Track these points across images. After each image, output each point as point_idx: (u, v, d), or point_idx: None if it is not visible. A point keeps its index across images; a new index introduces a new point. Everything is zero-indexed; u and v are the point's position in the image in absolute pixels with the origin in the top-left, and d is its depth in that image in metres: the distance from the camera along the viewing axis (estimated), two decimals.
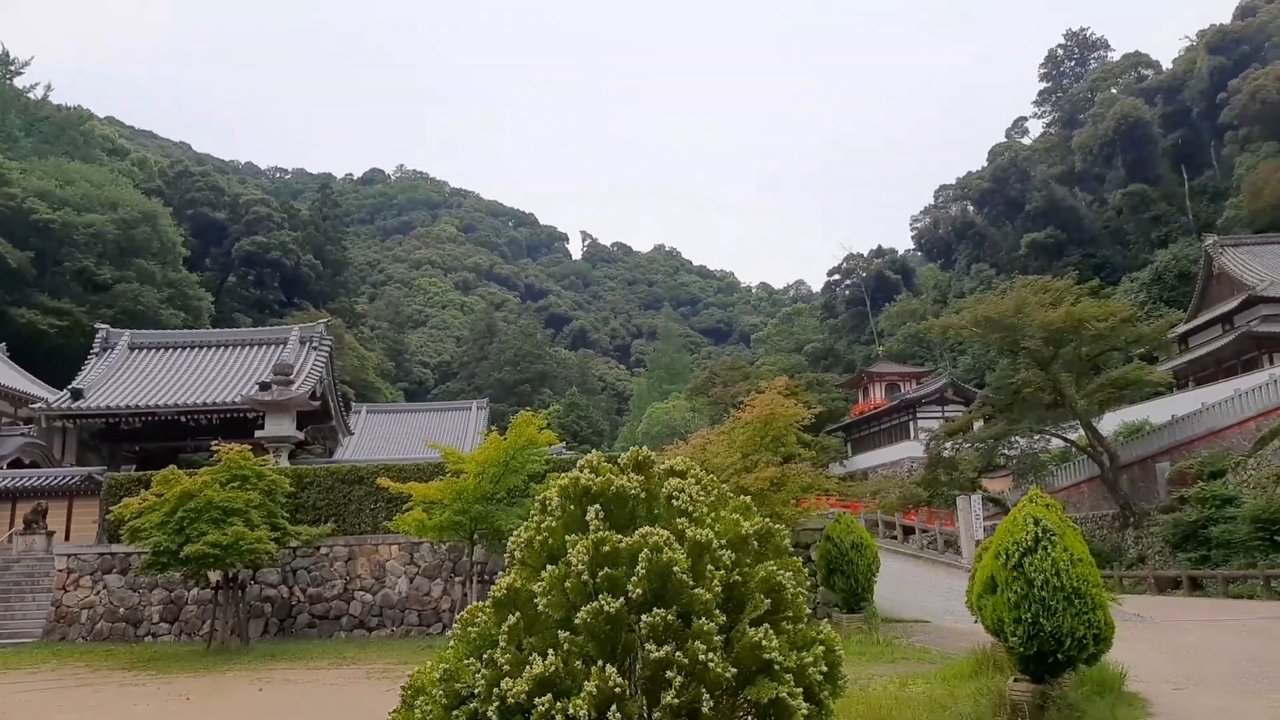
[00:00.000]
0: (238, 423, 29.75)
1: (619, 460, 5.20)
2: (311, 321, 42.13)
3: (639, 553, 4.10)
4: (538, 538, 4.57)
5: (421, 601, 19.43)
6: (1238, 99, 72.89)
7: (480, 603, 4.45)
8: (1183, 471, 34.93)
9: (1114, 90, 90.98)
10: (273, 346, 35.19)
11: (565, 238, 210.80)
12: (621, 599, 4.05)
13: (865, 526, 42.00)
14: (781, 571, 4.45)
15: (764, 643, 4.09)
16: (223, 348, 35.87)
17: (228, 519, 17.10)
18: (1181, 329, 50.15)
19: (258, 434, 28.64)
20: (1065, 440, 40.01)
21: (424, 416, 58.24)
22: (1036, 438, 40.31)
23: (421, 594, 19.63)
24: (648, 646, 4.00)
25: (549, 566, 4.28)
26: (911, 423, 64.46)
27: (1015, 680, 9.01)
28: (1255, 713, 9.51)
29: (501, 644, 4.14)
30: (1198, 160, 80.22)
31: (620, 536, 4.23)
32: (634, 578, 4.06)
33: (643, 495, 4.74)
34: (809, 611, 4.54)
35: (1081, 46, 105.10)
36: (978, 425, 42.50)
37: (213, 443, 20.88)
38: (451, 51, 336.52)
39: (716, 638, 4.05)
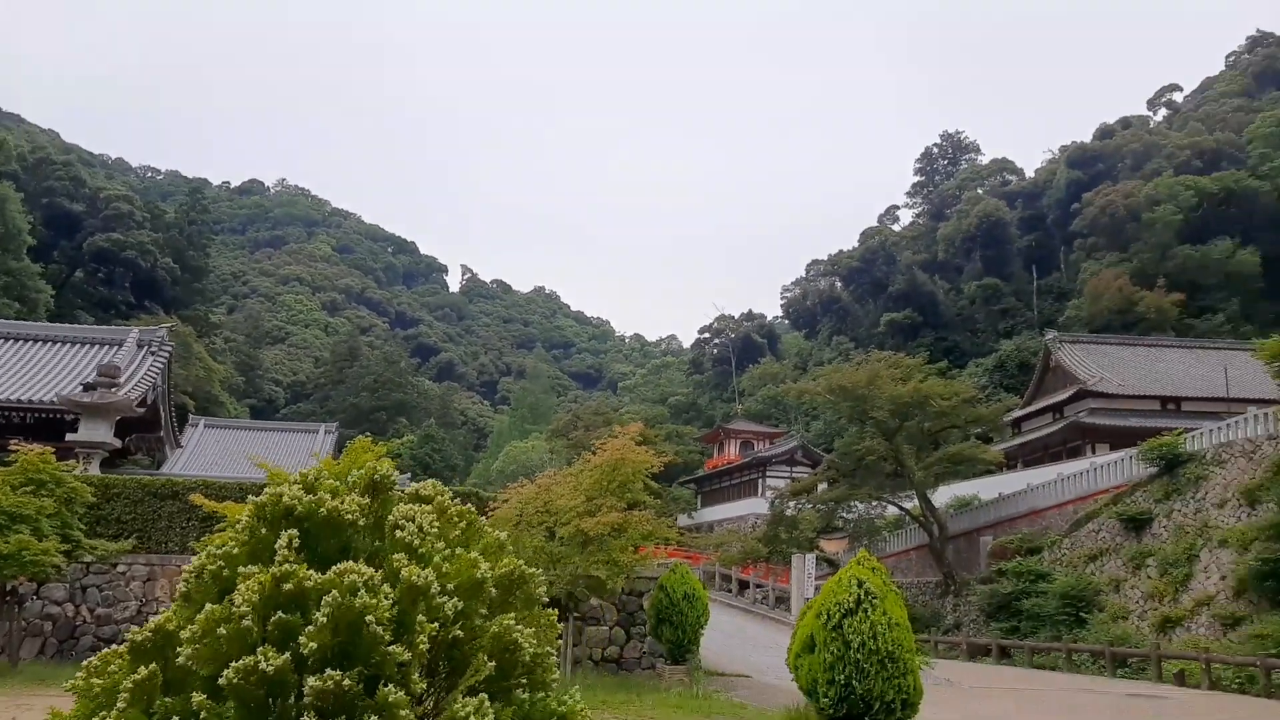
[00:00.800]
0: (51, 424, 27.40)
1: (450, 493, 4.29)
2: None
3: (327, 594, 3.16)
4: (210, 567, 3.54)
5: None
6: (1089, 211, 79.00)
7: (118, 647, 3.45)
8: (1003, 546, 36.70)
9: (980, 190, 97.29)
10: (107, 347, 32.76)
11: (445, 269, 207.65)
12: (288, 654, 3.11)
13: (705, 578, 42.88)
14: (520, 628, 3.53)
15: (473, 717, 3.15)
16: (50, 343, 33.12)
17: (13, 526, 15.49)
18: (1017, 414, 53.21)
19: (70, 437, 26.43)
20: (900, 508, 41.51)
21: (266, 436, 55.41)
22: (874, 504, 41.70)
23: None
24: None
25: (208, 606, 3.30)
26: (761, 480, 65.60)
27: None
28: None
29: (120, 706, 3.14)
30: (1048, 262, 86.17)
31: (312, 573, 3.28)
32: (311, 627, 3.11)
33: (367, 523, 3.68)
34: (556, 676, 3.67)
35: (955, 147, 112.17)
36: (822, 487, 43.67)
37: (13, 442, 19.05)
38: (355, 70, 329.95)
39: (405, 712, 3.08)
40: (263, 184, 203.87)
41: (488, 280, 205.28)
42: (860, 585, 8.85)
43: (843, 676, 8.49)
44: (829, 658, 8.61)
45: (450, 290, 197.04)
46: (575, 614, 17.42)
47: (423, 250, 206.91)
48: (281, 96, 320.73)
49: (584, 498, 15.71)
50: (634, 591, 18.48)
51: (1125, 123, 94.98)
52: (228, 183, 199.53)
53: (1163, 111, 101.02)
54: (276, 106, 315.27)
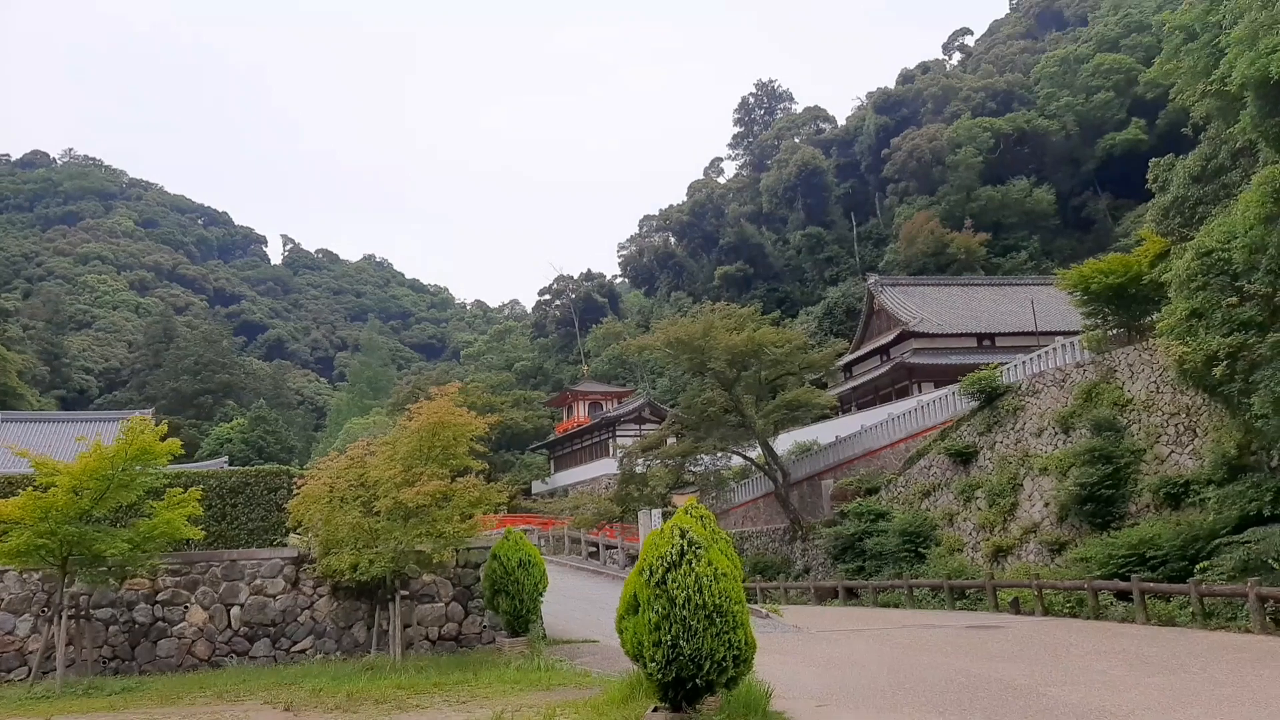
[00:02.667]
0: None
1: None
2: None
3: None
4: None
5: (2, 642, 15.97)
6: (898, 155, 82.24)
7: None
8: (844, 488, 37.75)
9: (796, 139, 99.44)
10: None
11: (264, 240, 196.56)
12: None
13: (560, 544, 42.34)
14: None
15: None
16: None
17: None
18: (847, 358, 54.99)
19: None
20: (745, 458, 42.11)
21: (75, 427, 50.51)
22: (720, 455, 42.10)
23: (3, 633, 16.14)
24: None
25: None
26: (611, 440, 65.55)
27: (654, 709, 8.32)
28: None
29: None
30: (865, 208, 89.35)
31: None
32: None
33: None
34: None
35: (770, 96, 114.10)
36: (671, 442, 43.78)
37: None
38: (144, 29, 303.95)
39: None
40: (47, 155, 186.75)
41: (312, 250, 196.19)
42: (683, 535, 8.22)
43: (669, 637, 7.86)
44: (654, 617, 7.97)
45: (272, 263, 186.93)
46: (404, 592, 16.33)
47: (237, 221, 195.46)
48: (61, 58, 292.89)
49: (401, 467, 14.55)
50: (469, 564, 17.51)
51: (924, 67, 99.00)
52: (6, 155, 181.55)
53: (957, 55, 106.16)
54: (56, 69, 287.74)
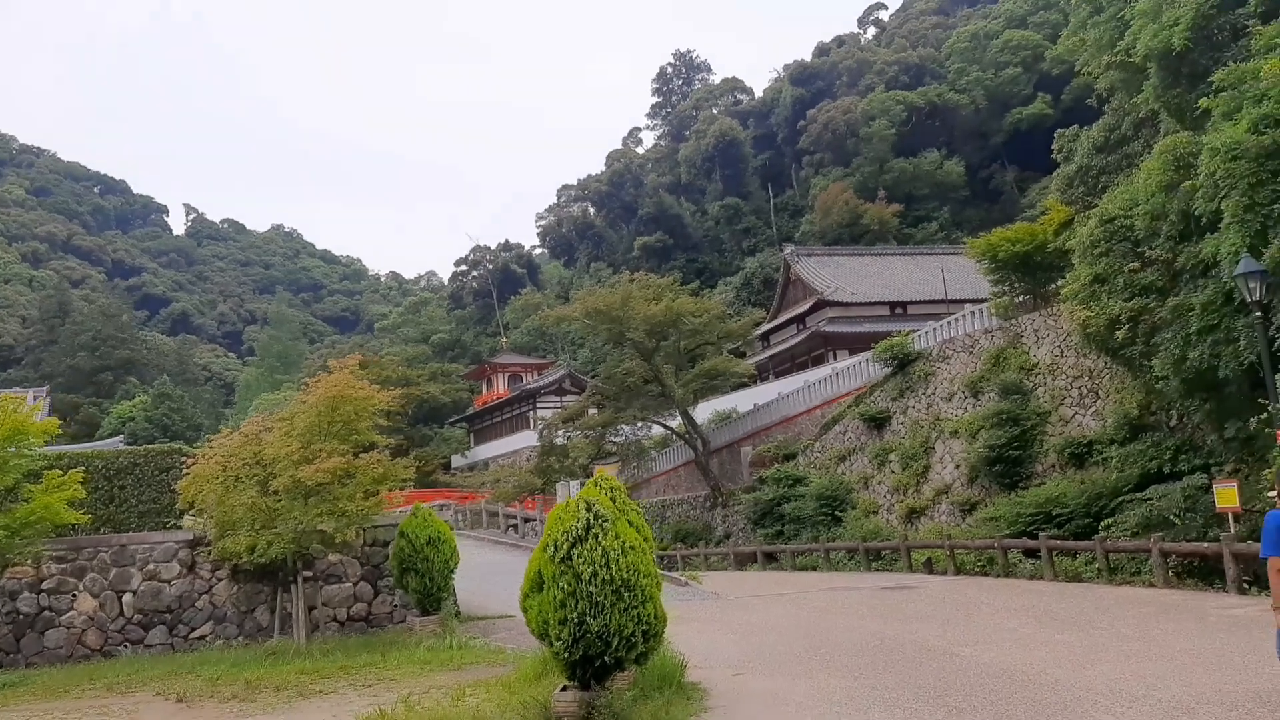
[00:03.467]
0: None
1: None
2: None
3: None
4: None
5: None
6: (814, 127, 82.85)
7: None
8: (762, 455, 38.07)
9: (715, 110, 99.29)
10: None
11: (165, 210, 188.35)
12: None
13: (478, 517, 41.81)
14: None
15: None
16: None
17: None
18: (765, 328, 55.40)
19: None
20: (666, 427, 42.15)
21: None
22: (640, 425, 42.03)
23: None
24: None
25: None
26: (531, 413, 64.96)
27: (563, 689, 8.01)
28: (804, 694, 9.42)
29: None
30: (781, 180, 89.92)
31: None
32: None
33: None
34: None
35: (688, 67, 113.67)
36: (592, 413, 43.53)
37: None
38: None
39: None
40: None
41: (217, 220, 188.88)
42: (589, 509, 7.89)
43: (575, 614, 7.56)
44: (559, 594, 7.65)
45: (174, 233, 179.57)
46: (308, 573, 15.69)
47: (136, 189, 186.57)
48: None
49: (299, 444, 13.88)
50: (378, 542, 16.92)
51: (840, 41, 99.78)
52: None
53: (872, 30, 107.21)
54: None
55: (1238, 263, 13.24)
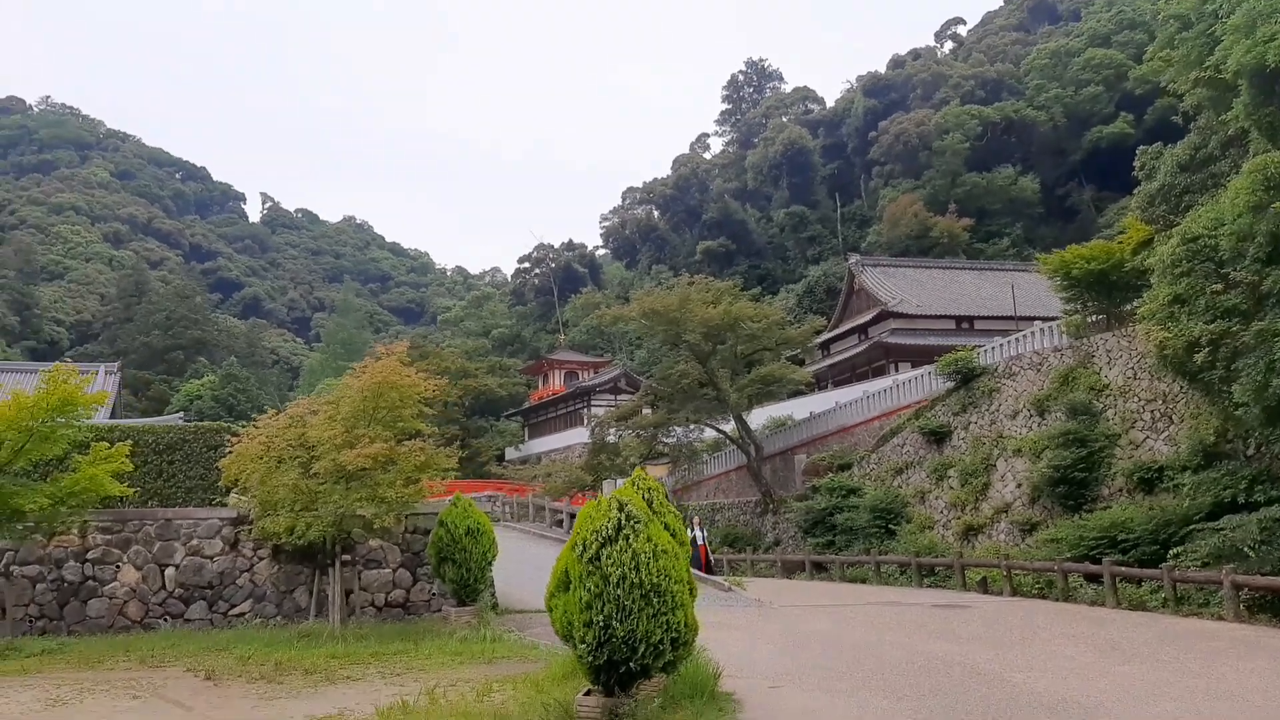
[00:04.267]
0: None
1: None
2: None
3: None
4: None
5: None
6: (885, 139, 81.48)
7: None
8: (816, 463, 37.35)
9: (784, 119, 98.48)
10: None
11: (242, 198, 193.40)
12: None
13: (526, 511, 41.81)
14: None
15: None
16: None
17: None
18: (825, 337, 54.51)
19: None
20: (719, 430, 41.66)
21: (32, 378, 49.62)
22: (692, 427, 41.59)
23: None
24: None
25: None
26: (586, 410, 65.01)
27: (586, 693, 7.68)
28: (842, 713, 8.97)
29: None
30: (850, 189, 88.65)
31: None
32: None
33: None
34: None
35: (760, 75, 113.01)
36: (646, 413, 43.28)
37: None
38: None
39: None
40: (23, 101, 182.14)
41: (291, 210, 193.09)
42: (621, 509, 7.55)
43: (601, 617, 7.22)
44: (585, 595, 7.32)
45: (250, 220, 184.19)
46: (347, 557, 15.65)
47: (216, 177, 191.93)
48: (39, 2, 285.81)
49: (343, 428, 13.80)
50: (419, 529, 16.81)
51: (915, 54, 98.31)
52: None
53: (949, 44, 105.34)
54: (34, 13, 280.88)
55: None
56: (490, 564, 15.17)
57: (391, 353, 15.30)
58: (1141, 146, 28.33)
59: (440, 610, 16.10)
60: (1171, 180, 23.30)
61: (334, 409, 14.63)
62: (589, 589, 7.31)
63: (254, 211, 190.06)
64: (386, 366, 14.55)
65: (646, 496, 9.64)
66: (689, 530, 26.87)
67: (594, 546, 7.41)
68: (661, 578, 7.35)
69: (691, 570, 21.45)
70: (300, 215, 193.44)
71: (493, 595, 15.33)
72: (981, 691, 9.83)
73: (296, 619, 15.96)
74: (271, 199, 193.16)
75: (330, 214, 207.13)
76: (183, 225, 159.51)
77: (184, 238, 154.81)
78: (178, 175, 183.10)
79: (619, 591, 7.22)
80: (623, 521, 7.50)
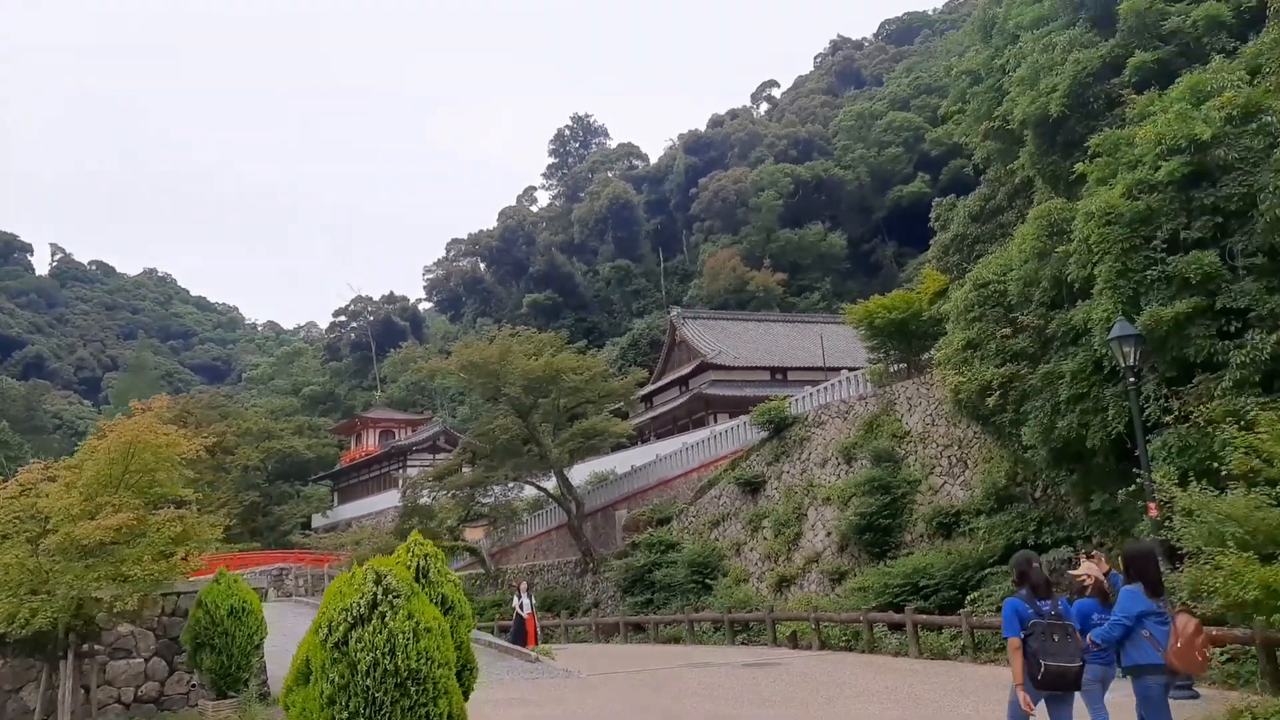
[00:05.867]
0: None
1: None
2: None
3: None
4: None
5: None
6: (705, 195, 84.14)
7: None
8: (636, 518, 36.79)
9: (610, 174, 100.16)
10: None
11: (29, 249, 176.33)
12: None
13: (328, 582, 38.85)
14: None
15: None
16: None
17: None
18: (649, 389, 54.64)
19: None
20: (539, 488, 40.49)
21: None
22: (511, 485, 40.23)
23: None
24: None
25: None
26: (401, 471, 62.15)
27: None
28: None
29: None
30: (672, 244, 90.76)
31: None
32: None
33: None
34: None
35: (585, 130, 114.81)
36: (466, 472, 41.53)
37: None
38: None
39: None
40: None
41: (84, 262, 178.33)
42: (378, 581, 6.45)
43: (346, 714, 6.06)
44: (328, 689, 6.15)
45: (37, 273, 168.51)
46: (97, 646, 13.49)
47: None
48: None
49: (81, 496, 11.89)
50: (178, 611, 14.72)
51: (733, 114, 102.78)
52: None
53: (764, 105, 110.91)
54: None
55: (1109, 329, 12.92)
56: (258, 647, 13.40)
57: (148, 408, 13.47)
58: (937, 200, 29.92)
59: (196, 705, 14.07)
60: (964, 230, 24.52)
61: (75, 474, 12.65)
62: (332, 680, 6.15)
63: (42, 264, 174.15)
64: (139, 424, 12.72)
65: (421, 564, 8.60)
66: (516, 598, 25.56)
67: (341, 629, 6.27)
68: (422, 661, 6.29)
69: (497, 641, 19.92)
70: (94, 268, 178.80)
71: (263, 684, 13.56)
72: None
73: None
74: (63, 250, 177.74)
75: (130, 267, 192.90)
76: None
77: None
78: None
79: (369, 682, 6.11)
80: (379, 597, 6.41)
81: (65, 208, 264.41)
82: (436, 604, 8.22)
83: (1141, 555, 7.56)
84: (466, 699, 8.62)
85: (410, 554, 8.55)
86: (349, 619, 6.33)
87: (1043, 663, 6.96)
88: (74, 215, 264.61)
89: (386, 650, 6.21)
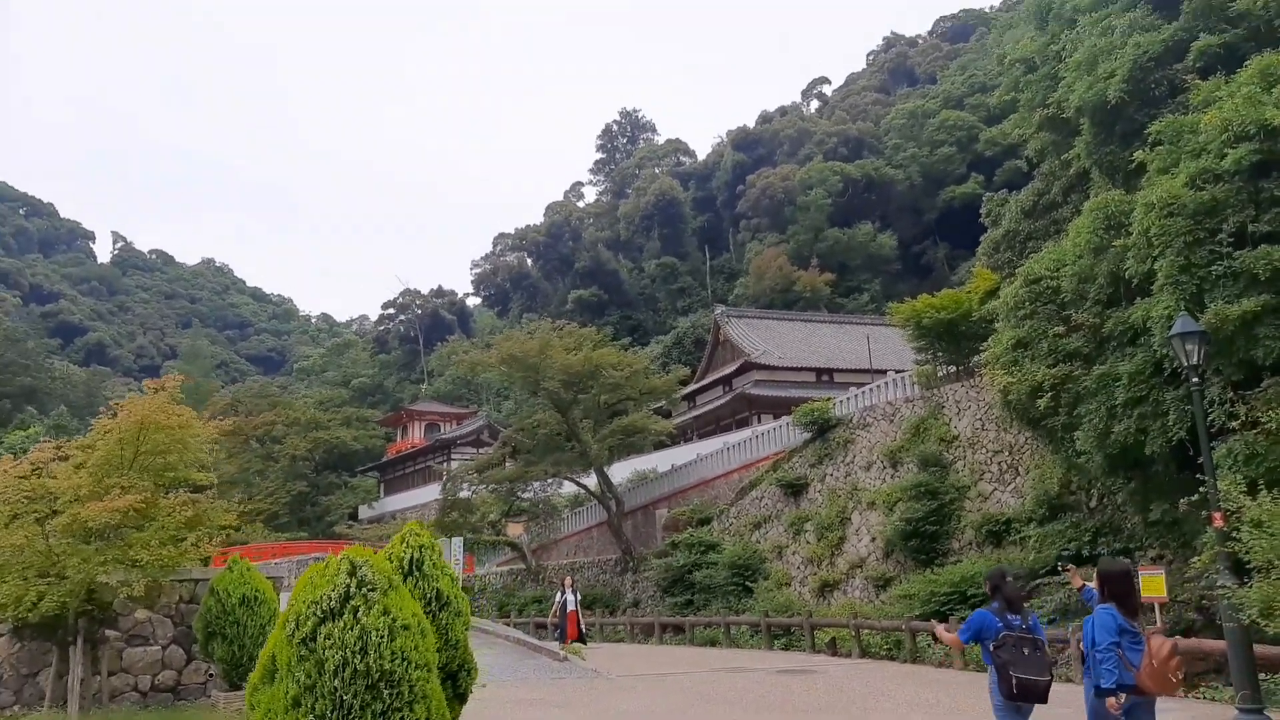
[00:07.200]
0: None
1: None
2: None
3: None
4: None
5: None
6: (752, 193, 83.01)
7: None
8: (676, 518, 36.22)
9: (657, 170, 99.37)
10: None
11: (91, 236, 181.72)
12: None
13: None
14: None
15: None
16: None
17: None
18: (691, 388, 53.96)
19: None
20: (579, 484, 40.13)
21: None
22: (550, 481, 39.92)
23: None
24: None
25: None
26: (446, 464, 62.19)
27: None
28: None
29: None
30: (719, 242, 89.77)
31: None
32: None
33: None
34: None
35: (634, 125, 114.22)
36: (508, 466, 41.36)
37: None
38: None
39: None
40: None
41: (145, 250, 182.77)
42: (353, 572, 5.95)
43: (311, 717, 5.57)
44: (293, 689, 5.67)
45: (99, 261, 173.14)
46: (113, 632, 13.30)
47: (63, 214, 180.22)
48: None
49: (90, 476, 11.66)
50: (196, 598, 14.52)
51: (783, 110, 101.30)
52: None
53: (815, 102, 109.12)
54: None
55: (1170, 328, 11.99)
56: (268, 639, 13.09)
57: (161, 387, 13.23)
58: (988, 194, 28.81)
59: (209, 695, 13.82)
60: (1015, 226, 23.52)
61: (87, 454, 12.45)
62: (298, 680, 5.67)
63: (104, 251, 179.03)
64: (150, 403, 12.48)
65: (415, 556, 8.08)
66: (560, 594, 25.10)
67: (309, 624, 5.78)
68: (397, 662, 5.77)
69: (527, 639, 19.26)
70: (155, 256, 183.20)
71: None
72: None
73: (39, 707, 13.41)
74: (124, 238, 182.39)
75: (189, 256, 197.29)
76: (23, 264, 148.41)
77: (24, 278, 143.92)
78: (21, 211, 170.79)
79: (336, 683, 5.61)
80: (352, 590, 5.91)
81: (127, 196, 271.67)
82: (430, 599, 7.75)
83: (1117, 575, 7.07)
84: (464, 702, 8.13)
85: (404, 545, 8.05)
86: (318, 613, 5.83)
87: (1013, 675, 7.08)
88: (136, 204, 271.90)
89: (358, 649, 5.70)
